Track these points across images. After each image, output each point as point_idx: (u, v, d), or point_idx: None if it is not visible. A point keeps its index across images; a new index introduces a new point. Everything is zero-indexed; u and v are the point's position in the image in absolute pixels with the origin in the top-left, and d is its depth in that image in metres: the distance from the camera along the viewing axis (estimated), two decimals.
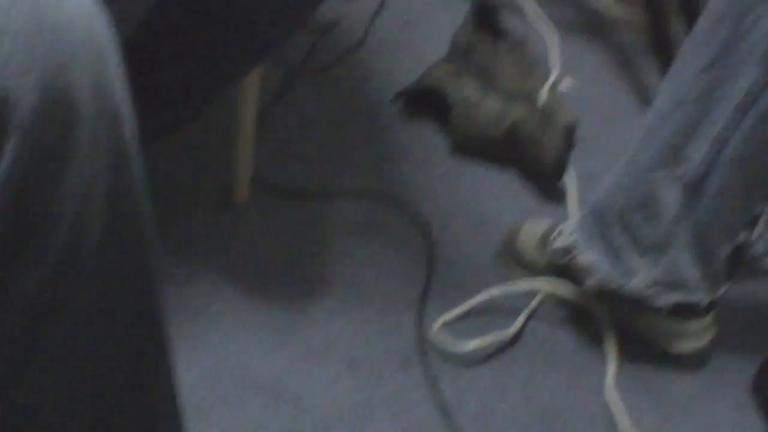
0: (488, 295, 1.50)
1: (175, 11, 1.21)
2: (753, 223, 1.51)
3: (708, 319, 1.44)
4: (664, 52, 1.93)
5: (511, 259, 1.56)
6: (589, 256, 1.43)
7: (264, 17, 1.19)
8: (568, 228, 1.47)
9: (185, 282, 1.48)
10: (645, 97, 1.97)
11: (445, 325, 1.47)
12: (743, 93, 1.25)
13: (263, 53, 1.30)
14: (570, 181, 1.71)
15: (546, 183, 1.71)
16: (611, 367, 1.44)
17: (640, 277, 1.40)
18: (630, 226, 1.38)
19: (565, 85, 1.95)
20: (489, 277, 1.55)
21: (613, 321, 1.48)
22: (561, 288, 1.49)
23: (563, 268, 1.47)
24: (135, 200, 0.77)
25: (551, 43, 2.00)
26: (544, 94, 1.79)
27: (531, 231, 1.55)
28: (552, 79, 1.87)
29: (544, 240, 1.51)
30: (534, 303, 1.52)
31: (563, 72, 1.95)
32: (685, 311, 1.42)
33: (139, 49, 1.29)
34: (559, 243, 1.47)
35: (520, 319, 1.50)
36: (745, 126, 1.27)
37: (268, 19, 1.19)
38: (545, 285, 1.50)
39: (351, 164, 1.71)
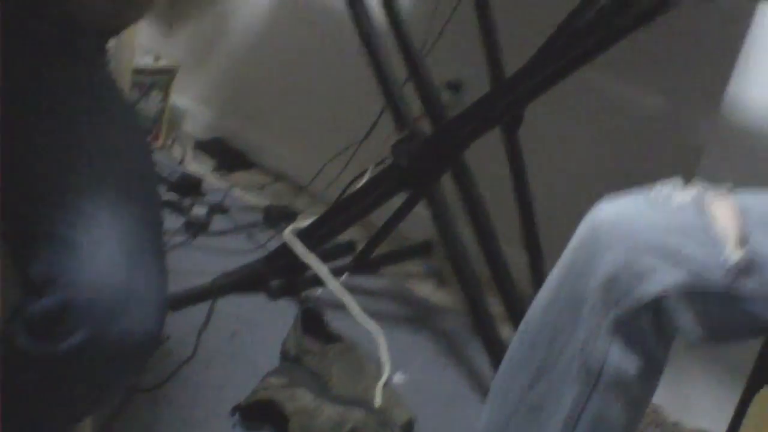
0: None
1: None
2: None
3: None
4: (487, 333, 2.00)
5: None
6: None
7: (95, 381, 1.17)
8: None
9: None
10: (477, 380, 2.02)
11: None
12: (569, 405, 1.27)
13: (97, 406, 1.27)
14: None
15: None
16: None
17: None
18: None
19: (398, 379, 1.98)
20: None
21: None
22: None
23: None
24: None
25: (379, 340, 2.04)
26: (378, 393, 1.81)
27: None
28: (384, 377, 1.90)
29: None
30: None
31: (395, 367, 1.99)
32: None
33: None
34: None
35: None
36: None
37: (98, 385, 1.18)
38: None
39: None
